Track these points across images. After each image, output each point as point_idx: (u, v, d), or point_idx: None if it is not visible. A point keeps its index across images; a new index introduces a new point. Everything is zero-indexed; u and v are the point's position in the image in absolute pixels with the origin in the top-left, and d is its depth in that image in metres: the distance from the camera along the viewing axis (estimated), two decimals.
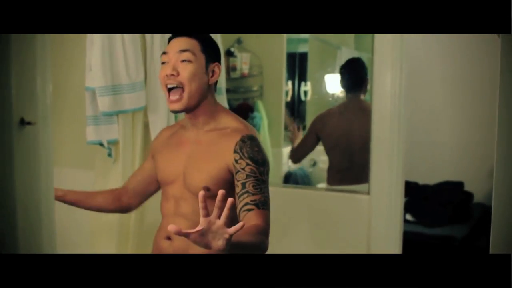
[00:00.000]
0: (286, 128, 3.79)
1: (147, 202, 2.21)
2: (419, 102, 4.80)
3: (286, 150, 3.94)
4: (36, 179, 0.90)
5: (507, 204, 1.28)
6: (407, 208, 4.09)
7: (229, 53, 3.66)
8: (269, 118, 3.69)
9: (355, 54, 3.81)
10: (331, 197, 3.17)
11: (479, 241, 3.96)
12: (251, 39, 3.67)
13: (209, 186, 1.80)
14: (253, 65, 3.71)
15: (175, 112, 1.87)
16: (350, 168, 3.36)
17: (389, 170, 2.84)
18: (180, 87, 1.82)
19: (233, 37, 3.66)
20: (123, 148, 2.70)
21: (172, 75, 1.81)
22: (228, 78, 3.64)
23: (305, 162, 3.97)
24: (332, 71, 3.84)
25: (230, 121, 1.90)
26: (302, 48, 4.02)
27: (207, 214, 1.35)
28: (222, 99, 3.01)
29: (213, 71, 1.88)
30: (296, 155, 3.74)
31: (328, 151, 3.53)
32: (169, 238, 1.90)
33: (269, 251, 1.65)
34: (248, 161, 1.76)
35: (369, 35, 3.06)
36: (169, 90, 1.84)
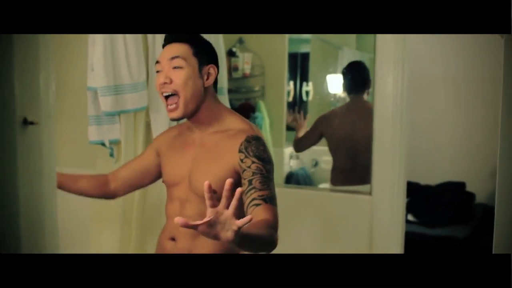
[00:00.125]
0: (292, 120, 3.77)
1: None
2: (421, 102, 4.79)
3: (288, 150, 3.94)
4: (38, 179, 0.90)
5: (509, 204, 1.28)
6: (409, 209, 4.08)
7: (231, 53, 3.66)
8: (271, 118, 3.69)
9: (356, 54, 3.81)
10: (333, 198, 3.17)
11: (481, 241, 3.95)
12: (253, 39, 3.67)
13: (215, 189, 1.78)
14: (255, 65, 3.71)
15: (175, 120, 1.87)
16: (354, 168, 3.36)
17: (391, 171, 2.84)
18: (176, 94, 1.82)
19: (235, 37, 3.66)
20: (125, 148, 2.70)
21: (165, 83, 1.81)
22: (230, 78, 3.64)
23: (307, 162, 3.98)
24: (334, 72, 3.84)
25: (235, 122, 1.89)
26: (304, 49, 4.03)
27: (214, 205, 1.33)
28: (224, 99, 3.01)
29: (208, 73, 1.87)
30: (299, 146, 3.76)
31: (332, 151, 3.53)
32: (173, 239, 1.90)
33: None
34: (254, 159, 1.75)
35: (371, 36, 3.06)
36: (166, 98, 1.84)
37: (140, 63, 2.69)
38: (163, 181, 2.03)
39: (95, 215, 2.79)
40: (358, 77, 3.47)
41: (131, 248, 2.71)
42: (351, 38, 3.89)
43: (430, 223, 4.10)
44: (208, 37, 1.98)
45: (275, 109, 3.73)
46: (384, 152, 2.85)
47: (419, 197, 4.40)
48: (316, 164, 3.95)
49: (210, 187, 1.33)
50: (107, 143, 2.69)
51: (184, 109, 1.82)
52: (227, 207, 1.34)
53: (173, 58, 1.81)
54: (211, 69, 1.87)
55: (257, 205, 1.68)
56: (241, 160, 1.76)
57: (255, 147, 1.77)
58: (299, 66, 3.98)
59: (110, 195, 2.15)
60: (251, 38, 3.67)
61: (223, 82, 3.06)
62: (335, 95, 3.81)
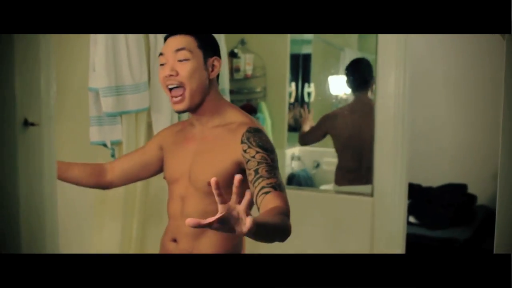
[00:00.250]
0: (298, 116, 3.78)
1: None
2: (423, 104, 4.79)
3: (290, 151, 3.94)
4: (39, 179, 0.90)
5: (510, 205, 1.28)
6: (411, 211, 4.08)
7: (232, 54, 3.66)
8: (272, 119, 3.69)
9: (358, 55, 3.81)
10: (335, 199, 3.17)
11: (482, 243, 3.95)
12: (255, 40, 3.67)
13: None
14: (257, 66, 3.70)
15: (179, 112, 1.86)
16: (360, 168, 3.35)
17: (392, 172, 2.83)
18: (181, 86, 1.80)
19: (237, 38, 3.66)
20: (127, 149, 2.70)
21: (171, 75, 1.80)
22: (232, 79, 3.64)
23: (309, 164, 3.97)
24: (336, 73, 3.84)
25: (236, 116, 1.87)
26: (305, 50, 4.02)
27: (224, 201, 1.29)
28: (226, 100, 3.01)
29: (212, 65, 1.86)
30: (305, 140, 3.78)
31: (338, 151, 3.52)
32: (175, 240, 1.89)
33: (271, 252, 1.63)
34: (258, 149, 1.73)
35: (373, 37, 3.06)
36: (170, 90, 1.83)
37: (142, 64, 2.69)
38: (164, 178, 2.01)
39: (96, 214, 2.79)
40: (362, 74, 3.46)
41: (132, 247, 2.71)
42: (353, 39, 3.89)
43: (432, 225, 4.10)
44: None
45: (276, 110, 3.73)
46: (385, 153, 2.84)
47: (420, 199, 4.40)
48: (317, 165, 3.94)
49: (217, 183, 1.30)
50: (108, 144, 2.69)
51: (190, 101, 1.82)
52: (239, 202, 1.30)
53: (178, 50, 1.80)
54: (216, 61, 1.86)
55: (266, 193, 1.66)
56: (244, 151, 1.74)
57: (258, 137, 1.76)
58: (301, 67, 3.98)
59: (105, 185, 2.11)
60: (252, 39, 3.67)
61: (225, 83, 3.06)
62: (337, 96, 3.81)
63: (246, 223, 1.25)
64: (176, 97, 1.81)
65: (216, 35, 2.86)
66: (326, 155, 3.81)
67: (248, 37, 3.66)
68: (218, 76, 1.91)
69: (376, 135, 2.88)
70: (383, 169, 2.86)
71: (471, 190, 4.53)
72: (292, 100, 3.91)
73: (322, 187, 3.78)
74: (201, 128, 1.90)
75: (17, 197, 0.85)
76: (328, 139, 3.61)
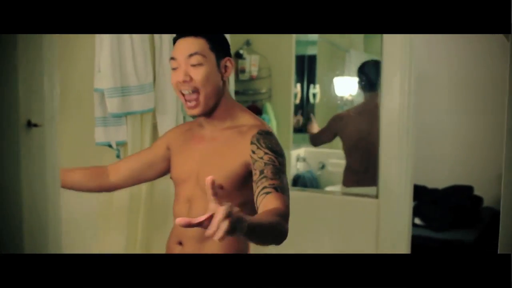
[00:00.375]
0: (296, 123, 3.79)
1: None
2: (429, 105, 4.78)
3: (295, 152, 3.94)
4: (42, 181, 0.90)
5: None
6: (416, 212, 4.07)
7: (238, 55, 3.66)
8: (278, 121, 3.69)
9: (364, 56, 3.80)
10: (339, 201, 3.16)
11: (488, 245, 3.93)
12: (260, 41, 3.67)
13: (223, 184, 1.75)
14: (262, 67, 3.70)
15: (194, 117, 1.83)
16: (368, 170, 3.34)
17: (397, 174, 2.83)
18: (196, 91, 1.77)
19: (242, 39, 3.66)
20: (132, 150, 2.71)
21: (185, 81, 1.76)
22: (237, 80, 3.64)
23: (314, 165, 3.97)
24: (341, 74, 3.83)
25: (247, 119, 1.85)
26: (311, 51, 4.02)
27: (218, 201, 1.28)
28: None
29: (225, 67, 1.83)
30: (315, 142, 3.79)
31: (346, 152, 3.52)
32: (180, 243, 1.87)
33: (276, 252, 1.62)
34: (266, 150, 1.70)
35: (378, 38, 3.05)
36: (183, 93, 1.80)
37: (147, 65, 2.69)
38: (171, 178, 1.99)
39: (101, 216, 2.80)
40: (374, 76, 3.46)
41: (137, 250, 2.71)
42: (359, 40, 3.88)
43: (437, 227, 4.09)
44: None
45: (282, 111, 3.72)
46: (390, 155, 2.84)
47: (426, 201, 4.39)
48: (323, 166, 3.94)
49: (213, 183, 1.30)
50: (114, 145, 2.70)
51: (205, 106, 1.79)
52: (220, 203, 1.28)
53: (191, 55, 1.75)
54: (228, 62, 1.83)
55: (267, 193, 1.63)
56: (253, 152, 1.72)
57: (268, 139, 1.74)
58: (306, 69, 3.98)
59: (108, 187, 2.06)
60: (258, 40, 3.67)
61: (230, 84, 3.07)
62: (342, 97, 3.81)
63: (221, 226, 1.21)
64: (190, 101, 1.78)
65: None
66: (331, 156, 3.81)
67: (254, 38, 3.66)
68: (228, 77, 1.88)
69: (381, 136, 2.87)
70: (388, 171, 2.85)
71: (477, 192, 4.52)
72: (298, 101, 3.91)
73: (327, 189, 3.77)
74: (211, 129, 1.87)
75: (20, 198, 0.85)
76: (335, 140, 3.61)
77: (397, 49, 2.78)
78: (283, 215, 1.58)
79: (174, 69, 1.80)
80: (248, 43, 3.67)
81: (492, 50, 4.41)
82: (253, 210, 1.74)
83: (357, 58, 3.86)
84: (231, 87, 3.09)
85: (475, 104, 4.75)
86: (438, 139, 4.91)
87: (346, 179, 3.51)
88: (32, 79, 0.88)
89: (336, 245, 3.02)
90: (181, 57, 1.77)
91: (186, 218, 1.22)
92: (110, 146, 2.71)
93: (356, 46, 3.90)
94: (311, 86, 3.98)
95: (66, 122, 3.06)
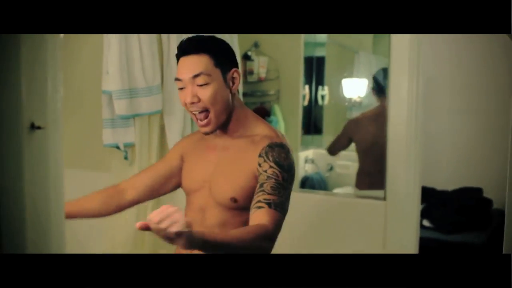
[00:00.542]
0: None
1: None
2: (438, 106, 4.76)
3: (303, 154, 3.94)
4: (45, 183, 0.90)
5: None
6: (425, 214, 4.05)
7: (246, 57, 3.66)
8: (286, 122, 3.69)
9: (372, 58, 3.79)
10: (347, 203, 3.15)
11: (498, 248, 3.90)
12: (268, 43, 3.67)
13: (236, 197, 1.73)
14: (270, 69, 3.70)
15: (207, 134, 1.79)
16: (381, 173, 3.33)
17: (405, 176, 2.81)
18: (205, 110, 1.74)
19: (251, 41, 3.66)
20: (140, 151, 2.72)
21: (193, 102, 1.72)
22: (245, 82, 3.64)
23: (322, 167, 3.97)
24: (350, 76, 3.83)
25: (262, 129, 1.81)
26: (319, 52, 4.02)
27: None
28: None
29: (233, 78, 1.78)
30: (331, 150, 3.79)
31: (361, 155, 3.51)
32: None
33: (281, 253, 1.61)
34: (272, 164, 1.67)
35: (387, 39, 3.04)
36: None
37: (155, 67, 2.70)
38: (182, 187, 1.95)
39: (108, 219, 2.80)
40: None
41: (144, 249, 2.72)
42: (367, 41, 3.88)
43: (446, 229, 4.06)
44: (223, 38, 1.89)
45: (290, 113, 3.72)
46: (398, 157, 2.82)
47: (435, 203, 4.36)
48: (331, 168, 3.93)
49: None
50: (121, 146, 2.71)
51: (216, 123, 1.76)
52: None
53: (196, 76, 1.71)
54: (235, 73, 1.79)
55: (259, 207, 1.60)
56: (259, 165, 1.69)
57: (277, 153, 1.69)
58: (314, 70, 3.97)
59: (127, 206, 1.98)
60: (266, 42, 3.67)
61: (239, 86, 3.06)
62: (350, 99, 3.80)
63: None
64: (201, 120, 1.75)
65: (229, 38, 2.89)
66: (339, 158, 3.81)
67: (262, 40, 3.66)
68: None
69: (389, 138, 2.85)
70: (396, 173, 2.84)
71: (486, 194, 4.49)
72: (306, 103, 3.91)
73: (336, 190, 3.77)
74: (224, 138, 1.84)
75: (23, 200, 0.85)
76: None
77: (405, 51, 2.76)
78: (264, 233, 1.55)
79: (180, 89, 1.76)
80: (256, 45, 3.67)
81: (501, 51, 4.39)
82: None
83: (366, 59, 3.86)
84: (239, 89, 3.08)
85: (486, 105, 4.72)
86: (447, 141, 4.89)
87: (359, 181, 3.50)
88: (35, 81, 0.88)
89: (343, 247, 3.01)
90: (186, 78, 1.73)
91: (144, 222, 1.29)
92: (118, 147, 2.72)
93: (365, 48, 3.90)
94: (320, 87, 3.98)
95: (78, 122, 3.08)
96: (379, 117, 3.44)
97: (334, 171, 3.89)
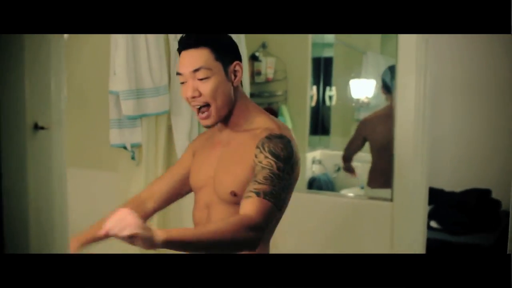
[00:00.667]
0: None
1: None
2: (445, 106, 4.74)
3: (311, 155, 3.93)
4: (49, 183, 0.91)
5: None
6: (433, 215, 4.04)
7: (253, 58, 3.66)
8: (293, 123, 3.68)
9: (381, 59, 3.78)
10: (355, 204, 3.14)
11: (506, 249, 3.88)
12: (276, 44, 3.66)
13: (236, 191, 1.70)
14: (278, 69, 3.70)
15: (208, 127, 1.78)
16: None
17: (412, 177, 2.80)
18: (207, 105, 1.72)
19: (258, 41, 3.66)
20: (146, 151, 2.72)
21: (194, 97, 1.71)
22: (253, 83, 3.64)
23: (330, 168, 3.96)
24: (358, 76, 3.82)
25: (263, 121, 1.77)
26: (327, 53, 4.00)
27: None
28: None
29: (234, 71, 1.75)
30: (348, 154, 3.74)
31: (375, 153, 3.49)
32: None
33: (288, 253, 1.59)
34: (267, 154, 1.63)
35: (395, 39, 3.03)
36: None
37: (162, 67, 2.71)
38: (190, 185, 1.93)
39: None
40: None
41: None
42: (376, 42, 3.86)
43: (455, 230, 4.04)
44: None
45: (298, 113, 3.72)
46: (405, 157, 2.81)
47: (443, 204, 4.34)
48: (338, 169, 3.92)
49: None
50: (128, 147, 2.72)
51: (217, 117, 1.74)
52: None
53: (196, 70, 1.69)
54: (237, 67, 1.76)
55: (247, 197, 1.56)
56: (256, 156, 1.65)
57: (273, 143, 1.65)
58: (322, 71, 3.96)
59: (150, 214, 1.94)
60: (274, 43, 3.67)
61: (246, 86, 3.07)
62: (358, 99, 3.79)
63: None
64: (202, 113, 1.74)
65: (236, 38, 2.88)
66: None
67: (269, 41, 3.66)
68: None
69: (396, 139, 2.84)
70: (403, 174, 2.82)
71: (495, 195, 4.47)
72: (314, 103, 3.90)
73: (343, 191, 3.75)
74: (227, 133, 1.82)
75: (27, 200, 0.86)
76: (345, 141, 3.60)
77: (413, 51, 2.75)
78: (247, 223, 1.51)
79: (182, 83, 1.76)
80: (264, 46, 3.67)
81: (507, 50, 4.36)
82: (277, 220, 1.72)
83: (374, 60, 3.84)
84: (247, 89, 3.08)
85: (495, 106, 4.70)
86: (456, 141, 4.86)
87: (372, 180, 3.48)
88: (39, 81, 0.89)
89: (350, 248, 3.00)
90: (186, 72, 1.72)
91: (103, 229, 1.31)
92: (125, 147, 2.73)
93: (373, 48, 3.88)
94: (327, 88, 3.97)
95: (85, 122, 3.10)
96: (391, 116, 3.43)
97: (342, 172, 3.88)
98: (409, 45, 2.75)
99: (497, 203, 4.41)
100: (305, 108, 3.75)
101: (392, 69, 3.48)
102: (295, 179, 1.72)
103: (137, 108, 2.64)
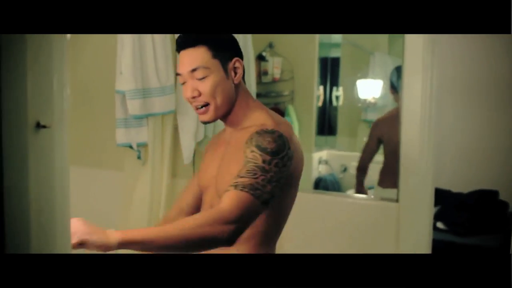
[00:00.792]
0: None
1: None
2: (451, 107, 4.72)
3: (317, 155, 3.92)
4: (51, 182, 0.91)
5: None
6: (440, 217, 4.02)
7: (260, 58, 3.66)
8: (300, 123, 3.68)
9: (388, 59, 3.77)
10: (360, 204, 3.14)
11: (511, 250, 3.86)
12: (283, 44, 3.66)
13: None
14: (285, 69, 3.69)
15: (205, 123, 1.76)
16: None
17: (418, 178, 2.79)
18: (207, 104, 1.70)
19: (265, 41, 3.65)
20: (152, 151, 2.73)
21: (194, 97, 1.70)
22: (260, 83, 3.64)
23: (336, 168, 3.95)
24: (365, 76, 3.81)
25: (262, 118, 1.72)
26: (334, 53, 4.00)
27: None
28: None
29: (234, 68, 1.72)
30: (364, 159, 3.67)
31: (388, 153, 3.47)
32: None
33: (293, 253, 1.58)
34: (253, 148, 1.57)
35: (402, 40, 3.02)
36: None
37: (168, 67, 2.71)
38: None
39: (122, 219, 2.82)
40: None
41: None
42: (383, 42, 3.85)
43: (461, 232, 4.02)
44: (237, 38, 1.85)
45: (304, 113, 3.71)
46: (411, 158, 2.80)
47: (450, 205, 4.32)
48: (345, 169, 3.91)
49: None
50: (134, 146, 2.72)
51: (216, 115, 1.72)
52: None
53: (194, 70, 1.68)
54: (237, 63, 1.73)
55: (226, 191, 1.52)
56: (244, 152, 1.60)
57: (262, 137, 1.59)
58: (329, 71, 3.96)
59: None
60: (281, 43, 3.66)
61: (252, 86, 3.06)
62: (365, 100, 3.78)
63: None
64: (200, 108, 1.72)
65: (243, 38, 2.88)
66: (353, 159, 3.78)
67: (276, 41, 3.66)
68: (244, 75, 1.78)
69: (402, 139, 2.82)
70: (409, 174, 2.81)
71: (502, 197, 4.44)
72: (320, 103, 3.89)
73: (349, 192, 3.75)
74: (230, 131, 1.80)
75: (28, 199, 0.86)
76: (355, 142, 3.58)
77: (419, 51, 2.73)
78: (218, 216, 1.46)
79: (182, 83, 1.74)
80: (271, 46, 3.67)
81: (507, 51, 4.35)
82: (277, 219, 1.71)
83: (381, 60, 3.83)
84: (253, 89, 3.08)
85: (504, 107, 4.67)
86: (464, 143, 4.84)
87: (384, 180, 3.46)
88: (41, 80, 0.88)
89: (356, 249, 2.99)
90: (185, 72, 1.70)
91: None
92: (131, 147, 2.73)
93: (380, 48, 3.87)
94: (334, 88, 3.96)
95: (92, 121, 3.10)
96: None
97: (348, 172, 3.87)
98: (415, 45, 2.74)
99: (505, 204, 4.39)
100: (312, 108, 3.74)
101: (400, 69, 3.47)
102: (291, 175, 1.67)
103: (143, 108, 2.64)
